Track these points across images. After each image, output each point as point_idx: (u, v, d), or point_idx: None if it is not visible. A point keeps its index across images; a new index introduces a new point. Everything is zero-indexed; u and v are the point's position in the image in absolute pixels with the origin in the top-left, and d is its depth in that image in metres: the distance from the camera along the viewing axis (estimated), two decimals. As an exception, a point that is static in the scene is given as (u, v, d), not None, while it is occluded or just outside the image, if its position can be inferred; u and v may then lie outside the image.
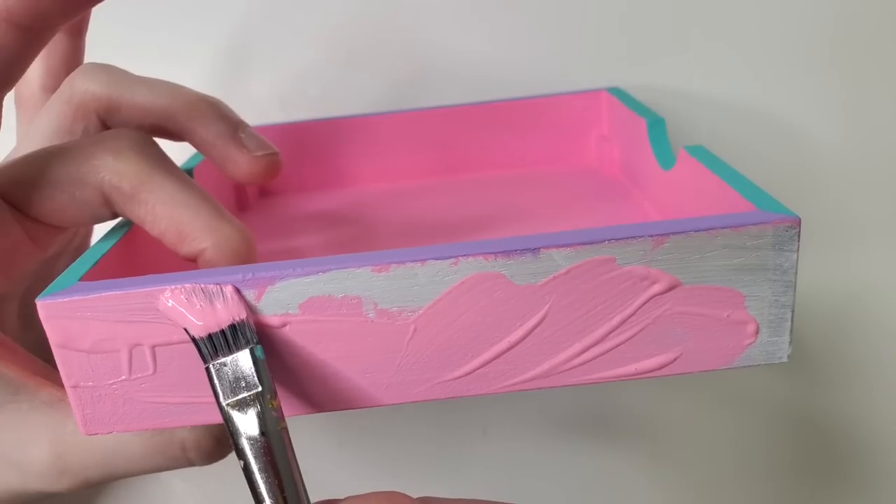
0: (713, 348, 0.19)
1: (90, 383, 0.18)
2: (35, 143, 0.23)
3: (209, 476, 0.41)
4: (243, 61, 0.36)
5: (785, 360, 0.19)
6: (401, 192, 0.33)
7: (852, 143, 0.36)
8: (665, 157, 0.26)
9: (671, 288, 0.18)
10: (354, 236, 0.28)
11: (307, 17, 0.35)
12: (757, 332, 0.18)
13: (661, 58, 0.35)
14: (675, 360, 0.19)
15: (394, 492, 0.17)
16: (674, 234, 0.17)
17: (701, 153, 0.23)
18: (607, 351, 0.18)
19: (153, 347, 0.18)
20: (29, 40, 0.19)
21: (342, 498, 0.17)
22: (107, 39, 0.29)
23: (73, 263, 0.19)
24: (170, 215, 0.20)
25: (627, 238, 0.17)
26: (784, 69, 0.35)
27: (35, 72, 0.26)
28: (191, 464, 0.21)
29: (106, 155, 0.20)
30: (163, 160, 0.21)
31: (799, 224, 0.18)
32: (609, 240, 0.17)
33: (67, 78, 0.24)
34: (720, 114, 0.36)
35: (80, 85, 0.23)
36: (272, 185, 0.34)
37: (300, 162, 0.34)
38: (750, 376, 0.39)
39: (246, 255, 0.21)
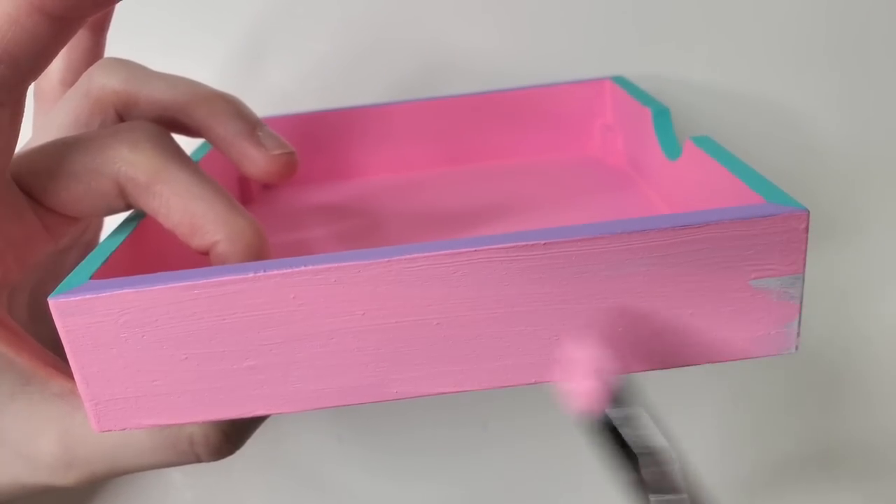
0: (721, 341, 0.19)
1: (102, 381, 0.18)
2: (51, 135, 0.23)
3: (209, 470, 0.41)
4: (249, 55, 0.36)
5: (793, 351, 0.19)
6: (405, 182, 0.33)
7: (858, 135, 0.36)
8: (671, 147, 0.26)
9: (679, 281, 0.18)
10: (360, 228, 0.28)
11: (311, 11, 0.35)
12: (765, 324, 0.19)
13: (665, 47, 0.35)
14: (683, 352, 0.19)
15: None
16: (682, 227, 0.17)
17: (708, 144, 0.23)
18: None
19: (165, 344, 0.18)
20: (59, 31, 0.19)
21: None
22: (111, 34, 0.29)
23: (84, 261, 0.19)
24: (184, 207, 0.20)
25: (636, 231, 0.17)
26: (789, 60, 0.35)
27: (55, 65, 0.26)
28: (198, 459, 0.22)
29: (122, 146, 0.20)
30: (178, 153, 0.21)
31: (807, 217, 0.18)
32: (620, 233, 0.17)
33: (86, 72, 0.24)
34: (723, 104, 0.36)
35: (98, 79, 0.23)
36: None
37: (303, 154, 0.34)
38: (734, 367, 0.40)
39: (258, 249, 0.21)
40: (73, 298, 0.17)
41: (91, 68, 0.24)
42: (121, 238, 0.21)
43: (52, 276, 0.24)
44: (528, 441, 0.41)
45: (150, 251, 0.22)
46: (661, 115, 0.27)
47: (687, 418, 0.41)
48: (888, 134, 0.36)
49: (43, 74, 0.25)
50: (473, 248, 0.17)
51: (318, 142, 0.34)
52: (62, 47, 0.20)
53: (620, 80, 0.33)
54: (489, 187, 0.31)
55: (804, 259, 0.18)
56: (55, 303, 0.18)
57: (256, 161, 0.23)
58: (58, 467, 0.21)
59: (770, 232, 0.18)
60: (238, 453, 0.22)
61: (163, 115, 0.23)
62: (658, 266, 0.18)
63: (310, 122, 0.34)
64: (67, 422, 0.21)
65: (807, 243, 0.18)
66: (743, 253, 0.18)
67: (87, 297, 0.17)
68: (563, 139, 0.34)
